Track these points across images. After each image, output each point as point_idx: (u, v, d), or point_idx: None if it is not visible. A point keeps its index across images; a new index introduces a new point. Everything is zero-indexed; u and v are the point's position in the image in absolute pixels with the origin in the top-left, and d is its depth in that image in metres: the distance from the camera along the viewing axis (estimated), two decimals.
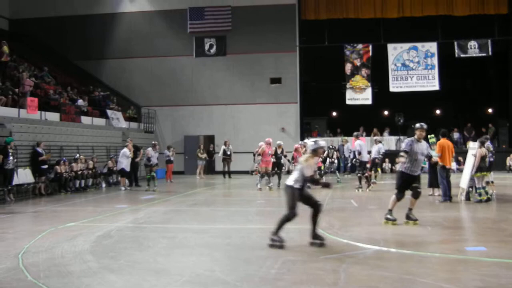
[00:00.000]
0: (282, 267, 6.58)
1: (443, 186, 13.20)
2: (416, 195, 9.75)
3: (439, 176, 13.31)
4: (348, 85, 27.79)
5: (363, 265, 6.68)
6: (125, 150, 19.24)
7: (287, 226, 7.88)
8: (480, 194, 12.69)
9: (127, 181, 19.62)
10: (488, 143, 13.46)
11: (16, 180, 15.88)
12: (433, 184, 14.44)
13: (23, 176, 16.58)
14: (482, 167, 12.66)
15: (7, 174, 15.13)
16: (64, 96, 22.36)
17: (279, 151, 18.26)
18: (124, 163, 19.08)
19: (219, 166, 26.22)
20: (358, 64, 27.85)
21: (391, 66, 27.57)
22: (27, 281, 6.14)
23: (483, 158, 12.69)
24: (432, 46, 27.40)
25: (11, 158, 15.12)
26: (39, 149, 17.04)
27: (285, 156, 18.91)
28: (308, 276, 6.18)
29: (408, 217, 9.79)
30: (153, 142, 19.71)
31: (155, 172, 18.50)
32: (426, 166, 15.23)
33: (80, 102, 22.58)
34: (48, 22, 28.91)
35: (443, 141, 13.43)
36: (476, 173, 12.65)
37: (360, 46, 27.99)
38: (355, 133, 17.94)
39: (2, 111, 17.32)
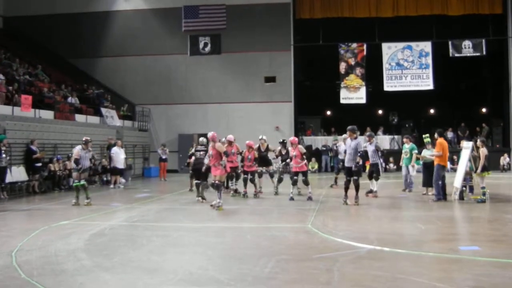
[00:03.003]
0: (275, 266, 6.58)
1: (437, 185, 13.24)
2: None
3: (435, 175, 13.31)
4: (342, 84, 27.77)
5: (356, 264, 6.69)
6: (115, 148, 19.35)
7: (281, 225, 7.87)
8: (484, 194, 12.72)
9: (122, 179, 19.70)
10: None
11: (9, 178, 15.78)
12: (427, 183, 14.50)
13: (17, 174, 16.47)
14: (486, 167, 12.70)
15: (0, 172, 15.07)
16: (58, 93, 22.24)
17: (263, 149, 16.32)
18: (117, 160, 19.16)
19: None
20: (353, 63, 27.85)
21: (385, 65, 27.58)
22: (20, 279, 6.12)
23: (486, 157, 12.74)
24: (427, 46, 27.44)
25: (3, 155, 15.01)
26: (33, 147, 16.96)
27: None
28: (302, 275, 6.19)
29: None
30: (84, 138, 14.26)
31: (85, 180, 13.89)
32: (421, 165, 15.28)
33: (70, 99, 22.43)
34: (43, 20, 28.72)
35: (442, 140, 13.52)
36: (482, 172, 12.68)
37: (354, 45, 27.97)
38: (342, 136, 16.56)
39: None
